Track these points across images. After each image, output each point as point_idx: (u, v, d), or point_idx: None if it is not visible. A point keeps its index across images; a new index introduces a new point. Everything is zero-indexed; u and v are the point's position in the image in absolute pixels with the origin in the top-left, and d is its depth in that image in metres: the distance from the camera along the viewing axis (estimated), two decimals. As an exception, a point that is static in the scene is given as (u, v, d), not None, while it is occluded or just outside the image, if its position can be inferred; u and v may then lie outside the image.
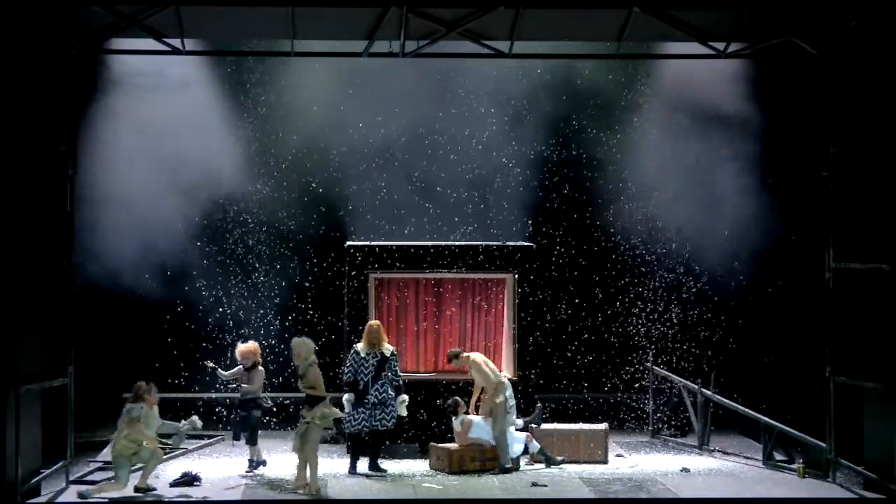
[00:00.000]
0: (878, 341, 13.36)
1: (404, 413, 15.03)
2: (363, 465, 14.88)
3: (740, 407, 16.06)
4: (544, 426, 15.67)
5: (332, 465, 15.12)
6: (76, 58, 14.06)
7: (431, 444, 15.37)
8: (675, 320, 18.61)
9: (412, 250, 16.56)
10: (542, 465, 15.18)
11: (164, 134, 17.33)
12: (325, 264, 18.21)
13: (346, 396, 14.85)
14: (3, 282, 12.60)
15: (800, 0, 13.86)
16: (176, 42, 14.29)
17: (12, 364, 12.64)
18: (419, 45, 14.46)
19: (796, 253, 17.83)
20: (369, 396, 14.81)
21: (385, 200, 18.15)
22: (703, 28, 14.27)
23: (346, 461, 15.06)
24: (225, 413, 17.28)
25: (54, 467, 13.81)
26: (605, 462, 15.47)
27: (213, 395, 17.54)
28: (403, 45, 14.41)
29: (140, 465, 13.54)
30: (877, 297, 13.39)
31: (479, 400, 15.45)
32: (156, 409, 13.83)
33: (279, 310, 18.18)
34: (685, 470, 15.00)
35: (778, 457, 15.28)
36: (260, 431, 15.06)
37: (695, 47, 14.71)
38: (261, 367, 15.07)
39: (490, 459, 14.90)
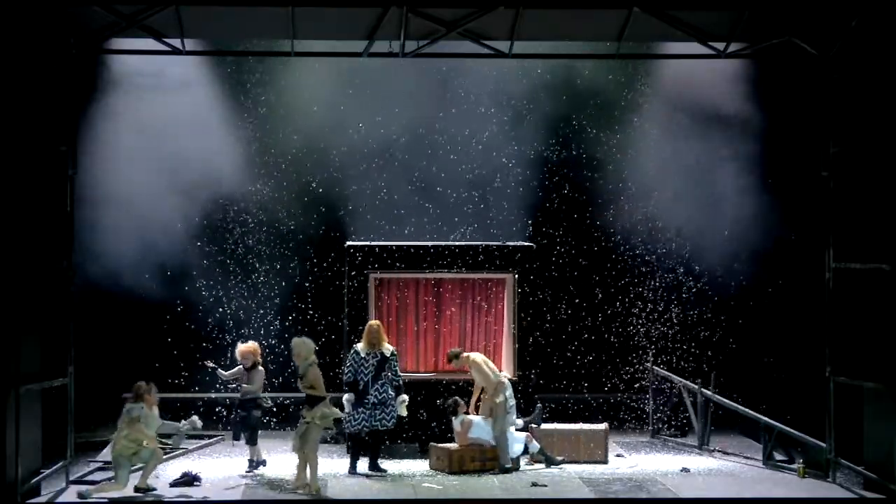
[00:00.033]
0: (878, 341, 13.36)
1: (404, 413, 15.03)
2: (363, 465, 14.88)
3: (740, 407, 16.06)
4: (544, 426, 15.67)
5: (332, 465, 15.11)
6: (76, 58, 14.06)
7: (431, 444, 15.37)
8: (675, 320, 18.61)
9: (412, 250, 16.56)
10: (542, 465, 15.18)
11: (164, 134, 17.33)
12: (325, 264, 18.21)
13: (346, 396, 14.85)
14: (3, 282, 12.60)
15: (800, 0, 13.86)
16: (176, 42, 14.28)
17: (12, 364, 12.64)
18: (419, 45, 14.46)
19: (796, 253, 17.83)
20: (369, 396, 14.81)
21: (385, 200, 18.14)
22: (703, 28, 14.27)
23: (346, 461, 15.06)
24: (225, 413, 17.28)
25: (54, 467, 13.81)
26: (605, 462, 15.47)
27: (213, 396, 17.53)
28: (403, 45, 14.41)
29: (140, 465, 13.54)
30: (877, 297, 13.39)
31: (478, 400, 15.45)
32: (156, 408, 13.83)
33: (279, 310, 18.17)
34: (685, 470, 15.00)
35: (778, 457, 15.28)
36: (260, 431, 15.06)
37: (695, 47, 14.71)
38: (261, 367, 15.07)
39: (490, 459, 14.90)
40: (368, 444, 14.92)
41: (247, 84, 18.07)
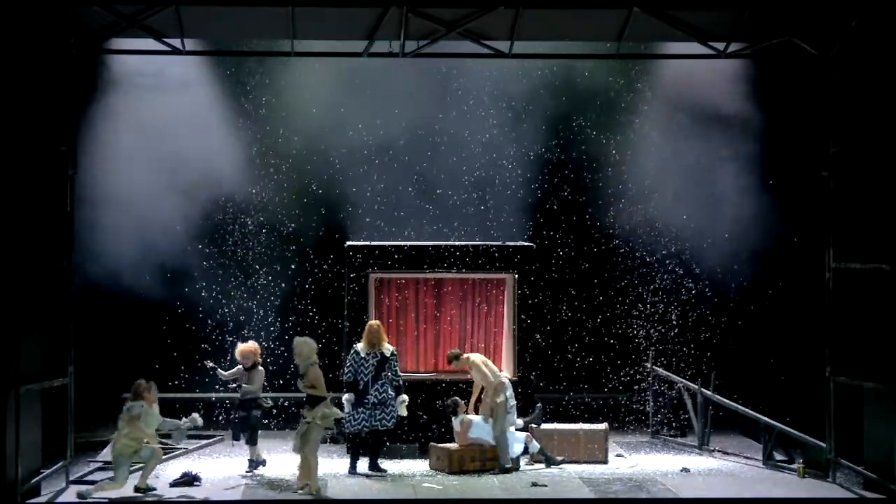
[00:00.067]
0: (878, 341, 13.36)
1: (404, 413, 15.03)
2: (363, 465, 14.88)
3: (740, 407, 16.05)
4: (544, 426, 15.67)
5: (332, 465, 15.11)
6: (76, 58, 14.06)
7: (431, 444, 15.37)
8: (675, 321, 18.61)
9: (412, 251, 16.55)
10: (542, 465, 15.18)
11: (164, 134, 17.33)
12: (325, 265, 18.21)
13: (346, 396, 14.85)
14: (3, 282, 12.60)
15: (800, 0, 13.86)
16: (176, 42, 14.29)
17: (12, 364, 12.63)
18: (419, 45, 14.46)
19: (796, 253, 17.82)
20: (369, 396, 14.81)
21: (385, 201, 18.15)
22: (703, 28, 14.27)
23: (346, 461, 15.06)
24: (225, 413, 17.28)
25: (54, 467, 13.80)
26: (605, 462, 15.47)
27: (213, 397, 17.53)
28: (403, 45, 14.41)
29: (140, 464, 13.54)
30: (877, 297, 13.39)
31: (478, 400, 15.45)
32: (156, 407, 13.84)
33: (279, 310, 18.18)
34: (685, 470, 14.99)
35: (778, 457, 15.27)
36: (260, 431, 15.06)
37: (695, 47, 14.71)
38: (261, 367, 15.07)
39: (490, 459, 14.90)
40: (368, 444, 14.93)
41: (247, 84, 18.08)
